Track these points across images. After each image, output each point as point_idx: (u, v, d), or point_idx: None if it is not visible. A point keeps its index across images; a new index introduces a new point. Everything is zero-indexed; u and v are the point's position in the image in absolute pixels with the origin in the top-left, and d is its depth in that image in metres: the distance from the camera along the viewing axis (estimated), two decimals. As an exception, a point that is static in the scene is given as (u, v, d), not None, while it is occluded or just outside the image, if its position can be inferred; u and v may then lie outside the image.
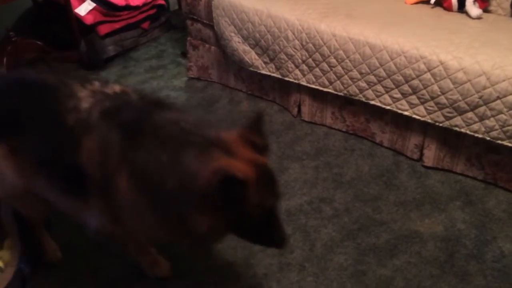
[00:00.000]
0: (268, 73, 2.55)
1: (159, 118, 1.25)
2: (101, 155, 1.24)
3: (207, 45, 2.87)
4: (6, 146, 1.38)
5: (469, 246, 1.82)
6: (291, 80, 2.47)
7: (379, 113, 2.28)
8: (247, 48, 2.54)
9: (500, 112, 1.82)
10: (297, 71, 2.40)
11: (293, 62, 2.39)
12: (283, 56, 2.40)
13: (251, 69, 2.60)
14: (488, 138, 1.89)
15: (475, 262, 1.75)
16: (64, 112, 1.30)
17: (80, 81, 1.37)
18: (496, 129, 1.85)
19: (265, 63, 2.52)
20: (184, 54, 3.20)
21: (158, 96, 1.45)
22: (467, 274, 1.71)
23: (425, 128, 2.14)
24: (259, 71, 2.58)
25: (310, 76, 2.37)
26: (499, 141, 1.87)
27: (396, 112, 2.15)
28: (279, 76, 2.51)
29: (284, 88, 2.63)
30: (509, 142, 1.84)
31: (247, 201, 1.14)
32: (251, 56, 2.55)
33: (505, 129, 1.83)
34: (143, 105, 1.32)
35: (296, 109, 2.63)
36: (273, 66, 2.50)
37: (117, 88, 1.36)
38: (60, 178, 1.36)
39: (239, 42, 2.55)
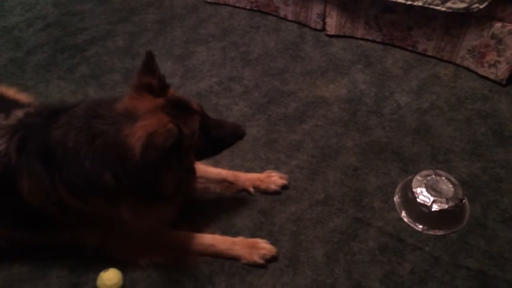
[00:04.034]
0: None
1: (57, 131, 1.23)
2: (41, 192, 1.25)
3: None
4: None
5: (369, 104, 1.94)
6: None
7: (281, -15, 2.23)
8: None
9: (392, -32, 1.84)
10: None
11: None
12: None
13: None
14: (383, -3, 1.94)
15: (375, 117, 1.89)
16: None
17: None
18: (389, -14, 1.89)
19: None
20: None
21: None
22: (368, 128, 1.85)
23: (326, -4, 2.14)
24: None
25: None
26: (393, -1, 1.92)
27: (296, -19, 2.11)
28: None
29: (181, -32, 2.45)
30: (405, 0, 1.89)
31: (183, 144, 1.19)
32: None
33: (397, -15, 1.87)
34: (41, 123, 1.29)
35: (196, -10, 2.50)
36: None
37: (19, 113, 1.34)
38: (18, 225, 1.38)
39: None
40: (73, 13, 2.52)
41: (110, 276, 1.38)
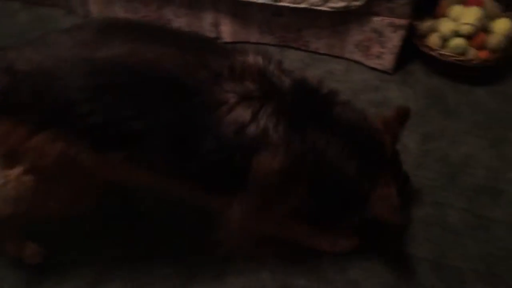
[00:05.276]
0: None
1: (337, 113, 1.19)
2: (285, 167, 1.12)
3: None
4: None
5: (272, 106, 1.98)
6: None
7: (169, -3, 2.20)
8: None
9: (274, -28, 1.90)
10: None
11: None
12: None
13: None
14: (269, 2, 1.99)
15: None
16: (219, 123, 1.07)
17: (209, 78, 1.08)
18: (274, -10, 1.94)
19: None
20: None
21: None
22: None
23: (216, 5, 2.15)
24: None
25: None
26: (279, 3, 1.98)
27: (184, -8, 2.10)
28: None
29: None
30: (289, 3, 1.96)
31: None
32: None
33: (281, -11, 1.93)
34: (311, 98, 1.17)
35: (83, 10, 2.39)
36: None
37: (253, 67, 1.12)
38: (214, 181, 1.19)
39: None
40: None
41: None
